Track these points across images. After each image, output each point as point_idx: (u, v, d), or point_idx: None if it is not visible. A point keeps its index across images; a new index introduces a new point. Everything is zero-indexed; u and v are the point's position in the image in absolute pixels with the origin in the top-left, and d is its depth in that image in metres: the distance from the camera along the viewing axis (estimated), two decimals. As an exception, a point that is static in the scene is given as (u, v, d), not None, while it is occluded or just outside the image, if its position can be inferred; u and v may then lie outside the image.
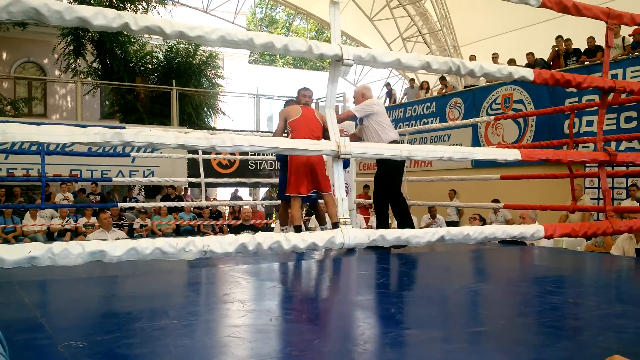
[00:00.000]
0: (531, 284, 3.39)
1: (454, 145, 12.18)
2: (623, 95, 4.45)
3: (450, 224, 11.28)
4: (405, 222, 4.99)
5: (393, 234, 1.78)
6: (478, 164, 9.70)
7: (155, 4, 18.94)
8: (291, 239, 1.59)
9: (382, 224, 5.12)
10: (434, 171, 11.12)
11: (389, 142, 4.87)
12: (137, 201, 11.91)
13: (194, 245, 1.44)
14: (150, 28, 1.42)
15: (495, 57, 12.10)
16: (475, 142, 11.68)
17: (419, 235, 1.83)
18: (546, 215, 7.49)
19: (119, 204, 7.18)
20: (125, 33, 15.06)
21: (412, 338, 1.98)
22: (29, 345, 1.87)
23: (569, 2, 2.24)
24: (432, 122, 12.48)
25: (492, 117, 5.62)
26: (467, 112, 12.05)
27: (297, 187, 4.87)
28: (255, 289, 3.14)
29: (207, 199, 13.68)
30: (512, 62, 10.99)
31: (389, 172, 5.03)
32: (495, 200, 9.77)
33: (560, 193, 7.33)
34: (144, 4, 18.69)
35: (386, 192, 5.03)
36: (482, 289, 3.17)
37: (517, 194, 9.47)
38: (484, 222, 7.67)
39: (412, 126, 12.85)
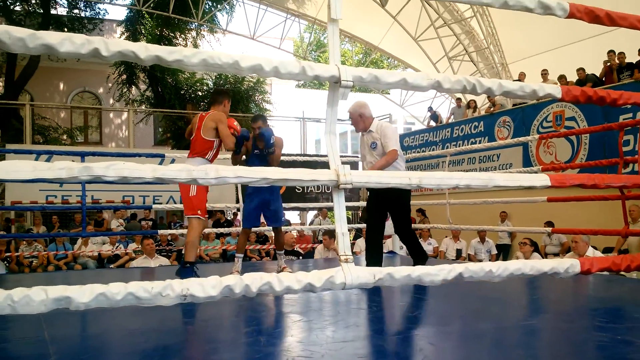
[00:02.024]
0: (578, 317, 3.10)
1: (503, 165, 11.77)
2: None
3: (501, 247, 10.84)
4: (420, 257, 4.43)
5: (402, 272, 1.60)
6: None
7: (204, 34, 19.43)
8: (284, 280, 1.44)
9: (374, 260, 4.41)
10: (481, 193, 10.74)
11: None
12: (181, 226, 12.00)
13: (172, 289, 1.32)
14: (123, 53, 1.32)
15: (544, 74, 11.69)
16: (527, 162, 11.24)
17: (433, 273, 1.65)
18: (601, 238, 7.04)
19: (158, 231, 7.18)
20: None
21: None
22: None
23: (600, 12, 2.03)
24: (480, 142, 12.12)
25: (536, 136, 5.33)
26: (516, 130, 11.65)
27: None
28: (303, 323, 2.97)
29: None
30: (562, 78, 10.59)
31: (394, 204, 4.40)
32: (549, 222, 9.36)
33: (619, 214, 6.88)
34: (194, 33, 19.21)
35: (373, 224, 4.45)
36: (524, 324, 2.91)
37: (573, 215, 9.02)
38: (535, 246, 7.28)
39: (459, 146, 12.54)
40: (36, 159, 11.58)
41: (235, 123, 4.40)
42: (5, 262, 8.55)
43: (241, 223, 5.03)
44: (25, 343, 2.55)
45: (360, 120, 4.49)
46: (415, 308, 3.44)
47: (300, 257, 8.17)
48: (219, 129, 4.23)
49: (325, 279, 1.49)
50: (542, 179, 1.94)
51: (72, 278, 6.22)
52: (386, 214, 4.46)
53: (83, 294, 1.24)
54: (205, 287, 1.35)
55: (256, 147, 4.76)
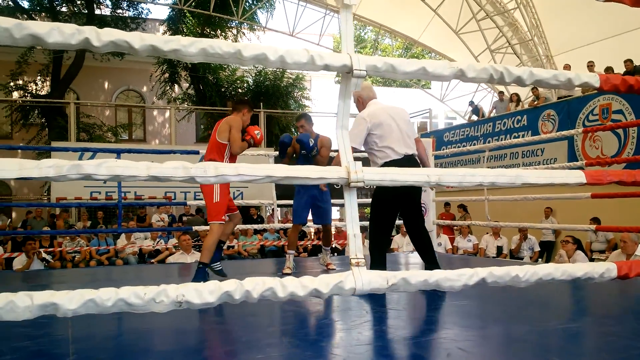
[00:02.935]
0: (620, 323, 2.91)
1: (547, 160, 11.37)
2: None
3: (544, 244, 10.49)
4: (432, 261, 3.92)
5: (418, 277, 1.49)
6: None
7: (244, 32, 19.55)
8: (288, 285, 1.35)
9: (377, 257, 3.88)
10: (523, 188, 10.42)
11: (385, 164, 3.80)
12: (220, 223, 12.05)
13: (166, 295, 1.24)
14: (116, 43, 1.25)
15: (590, 66, 11.24)
16: (572, 157, 10.83)
17: (453, 279, 1.52)
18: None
19: (193, 227, 7.23)
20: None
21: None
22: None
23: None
24: (523, 136, 11.75)
25: (579, 130, 5.07)
26: (561, 124, 11.24)
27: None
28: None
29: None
30: (609, 69, 10.15)
31: (408, 201, 3.91)
32: (595, 219, 8.98)
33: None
34: (234, 30, 19.34)
35: (386, 224, 3.93)
36: (563, 327, 2.74)
37: (621, 212, 8.62)
38: (578, 244, 6.98)
39: (501, 141, 12.18)
40: (80, 157, 11.86)
41: (257, 132, 4.39)
42: (44, 260, 8.75)
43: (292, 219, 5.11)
44: (48, 342, 2.54)
45: (360, 104, 4.12)
46: (447, 309, 3.30)
47: (335, 254, 8.08)
48: (230, 133, 4.24)
49: (333, 284, 1.39)
50: (576, 176, 1.78)
51: (99, 273, 6.31)
52: (397, 213, 3.98)
53: (71, 301, 1.18)
54: (202, 292, 1.27)
55: (303, 148, 4.86)
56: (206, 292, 1.27)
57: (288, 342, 2.44)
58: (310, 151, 4.83)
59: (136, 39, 1.27)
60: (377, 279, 1.44)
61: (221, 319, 3.09)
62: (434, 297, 3.49)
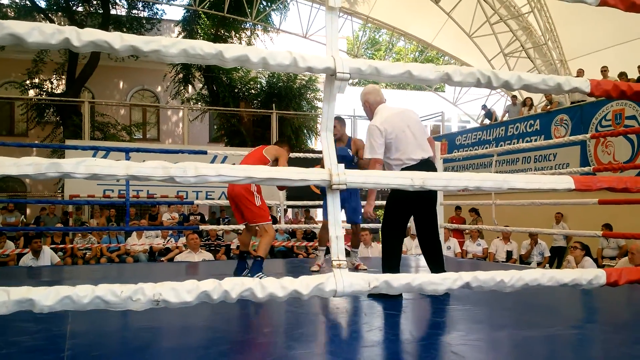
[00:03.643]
0: (618, 329, 2.87)
1: (560, 165, 11.27)
2: None
3: (555, 250, 10.38)
4: (439, 267, 3.78)
5: (401, 280, 1.48)
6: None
7: (258, 33, 19.63)
8: (267, 286, 1.35)
9: (391, 261, 3.72)
10: (533, 193, 10.32)
11: (406, 168, 3.67)
12: (229, 221, 12.11)
13: (143, 293, 1.25)
14: (96, 43, 1.26)
15: (604, 71, 11.13)
16: (584, 162, 10.72)
17: (436, 282, 1.51)
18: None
19: (199, 226, 7.25)
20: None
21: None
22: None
23: None
24: (535, 141, 11.64)
25: (587, 135, 5.00)
26: (574, 129, 11.13)
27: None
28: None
29: (310, 220, 13.73)
30: (622, 75, 10.04)
31: (425, 204, 3.80)
32: (607, 225, 8.87)
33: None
34: (248, 32, 19.42)
35: (399, 225, 3.79)
36: (561, 333, 2.71)
37: (635, 217, 8.50)
38: (586, 250, 6.90)
39: (511, 145, 12.08)
40: (94, 156, 11.96)
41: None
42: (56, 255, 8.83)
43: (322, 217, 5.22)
44: (45, 337, 2.57)
45: (367, 108, 3.94)
46: (447, 314, 3.29)
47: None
48: (279, 161, 4.53)
49: (313, 285, 1.39)
50: (565, 182, 1.76)
51: (108, 270, 6.35)
52: (410, 216, 3.89)
53: (47, 297, 1.19)
54: (179, 292, 1.28)
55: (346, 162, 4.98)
56: (184, 292, 1.28)
57: (283, 344, 2.44)
58: (352, 161, 4.99)
59: (116, 39, 1.28)
60: (358, 282, 1.43)
61: (217, 317, 3.09)
62: (436, 301, 3.47)
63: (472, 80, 1.64)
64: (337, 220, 1.49)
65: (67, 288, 1.21)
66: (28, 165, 1.20)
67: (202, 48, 1.34)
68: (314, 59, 1.46)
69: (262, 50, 1.39)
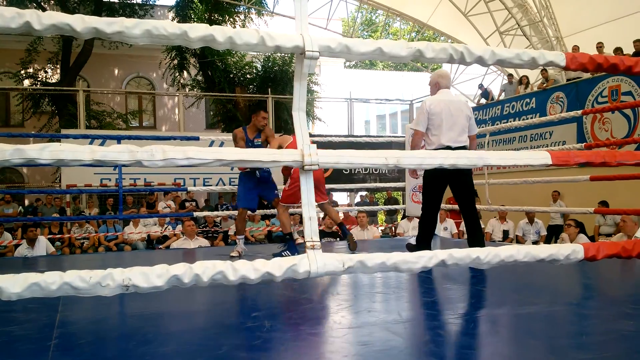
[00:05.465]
0: (607, 305, 2.87)
1: (556, 143, 11.24)
2: None
3: (553, 228, 10.39)
4: (478, 243, 4.01)
5: (375, 260, 1.47)
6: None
7: (252, 17, 19.45)
8: (239, 269, 1.34)
9: (422, 242, 4.22)
10: (533, 172, 10.30)
11: (435, 149, 4.03)
12: (227, 208, 12.12)
13: (112, 279, 1.24)
14: (58, 26, 1.25)
15: (600, 47, 11.06)
16: (581, 139, 10.71)
17: (411, 261, 1.51)
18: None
19: (194, 212, 7.24)
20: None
21: None
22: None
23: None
24: (531, 119, 11.60)
25: (579, 112, 4.96)
26: (570, 106, 11.08)
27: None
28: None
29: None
30: (618, 50, 9.97)
31: (461, 181, 4.13)
32: (603, 202, 8.87)
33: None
34: (242, 16, 19.25)
35: (433, 201, 4.18)
36: (543, 310, 2.71)
37: (631, 195, 8.51)
38: (580, 227, 6.90)
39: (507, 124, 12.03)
40: (90, 143, 11.93)
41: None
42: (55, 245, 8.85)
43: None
44: (34, 325, 2.58)
45: (434, 88, 4.34)
46: (438, 294, 3.29)
47: (338, 239, 8.08)
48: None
49: (286, 267, 1.39)
50: (541, 157, 1.75)
51: (108, 259, 6.36)
52: (443, 191, 4.23)
53: (14, 284, 1.18)
54: (149, 276, 1.27)
55: None
56: (154, 276, 1.27)
57: (270, 326, 2.45)
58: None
59: (78, 21, 1.26)
60: (332, 262, 1.43)
61: (208, 302, 3.10)
62: (426, 281, 3.48)
63: (444, 56, 1.62)
64: (311, 202, 1.49)
65: (35, 275, 1.20)
66: (-10, 152, 1.19)
67: (166, 28, 1.32)
68: (282, 38, 1.44)
69: (228, 29, 1.38)
